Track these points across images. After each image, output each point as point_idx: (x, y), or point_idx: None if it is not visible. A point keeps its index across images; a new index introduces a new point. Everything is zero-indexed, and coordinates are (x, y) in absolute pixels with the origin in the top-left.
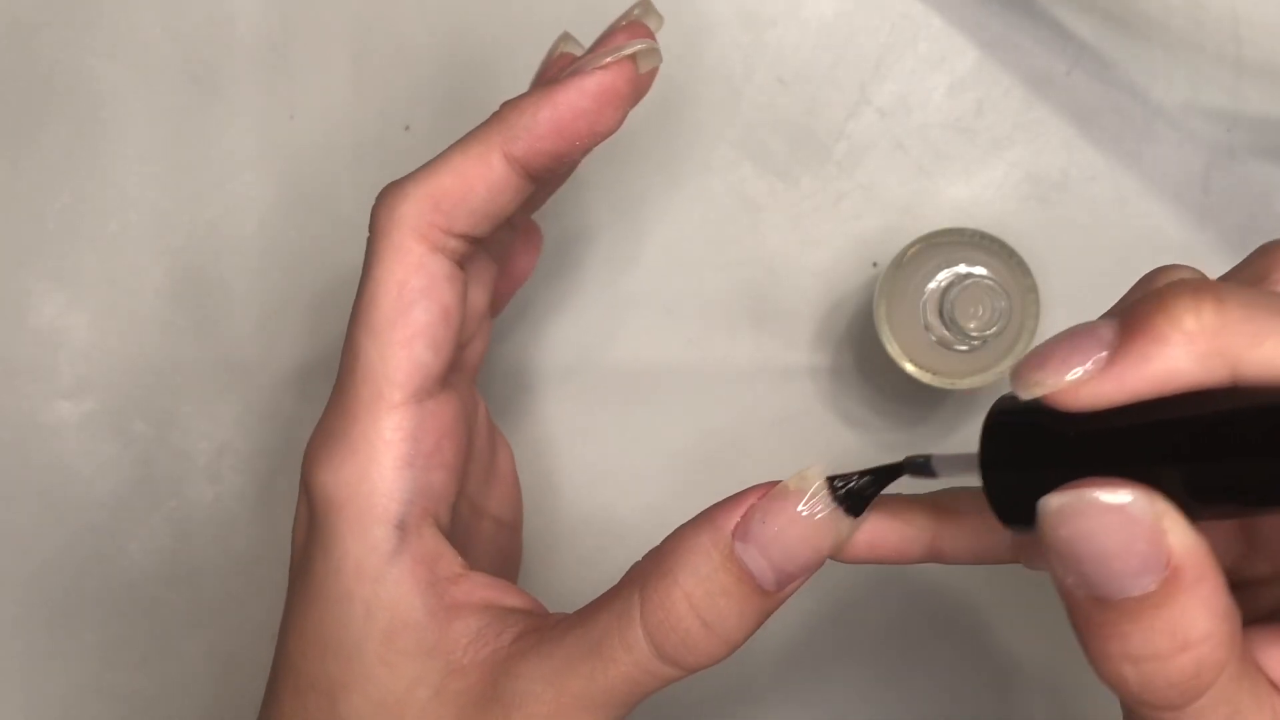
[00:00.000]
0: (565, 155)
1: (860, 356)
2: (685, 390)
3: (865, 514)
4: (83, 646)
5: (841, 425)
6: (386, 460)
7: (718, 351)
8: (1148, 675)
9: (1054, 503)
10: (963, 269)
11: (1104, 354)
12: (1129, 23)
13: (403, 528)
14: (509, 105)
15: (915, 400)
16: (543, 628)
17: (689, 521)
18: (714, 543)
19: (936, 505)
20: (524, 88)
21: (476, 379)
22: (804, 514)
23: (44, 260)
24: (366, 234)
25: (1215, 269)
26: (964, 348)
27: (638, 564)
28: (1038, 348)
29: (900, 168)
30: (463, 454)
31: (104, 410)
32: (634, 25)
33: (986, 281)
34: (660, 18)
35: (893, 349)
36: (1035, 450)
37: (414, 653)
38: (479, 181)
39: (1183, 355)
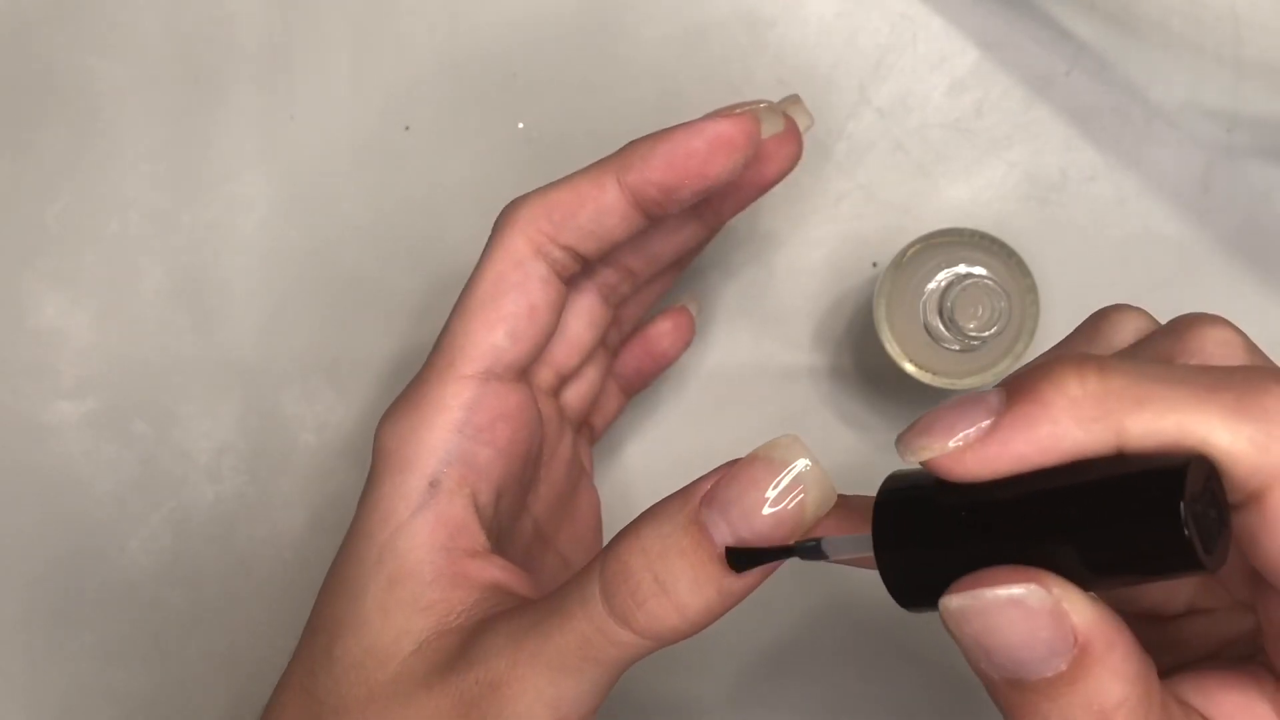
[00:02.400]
0: (674, 191)
1: (860, 356)
2: (685, 390)
3: (746, 573)
4: (83, 646)
5: (841, 425)
6: (439, 421)
7: (718, 351)
8: None
9: (953, 603)
10: (962, 269)
11: (989, 420)
12: (1129, 23)
13: (435, 485)
14: (635, 140)
15: (915, 400)
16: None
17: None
18: (681, 505)
19: None
20: (524, 88)
21: (576, 424)
22: (766, 479)
23: (44, 260)
24: (366, 234)
25: (1215, 269)
26: (963, 348)
27: (614, 537)
28: (925, 415)
29: (900, 168)
30: (521, 448)
31: (104, 410)
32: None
33: (986, 281)
34: (810, 118)
35: (893, 349)
36: (927, 527)
37: (410, 606)
38: (590, 200)
39: (1067, 420)
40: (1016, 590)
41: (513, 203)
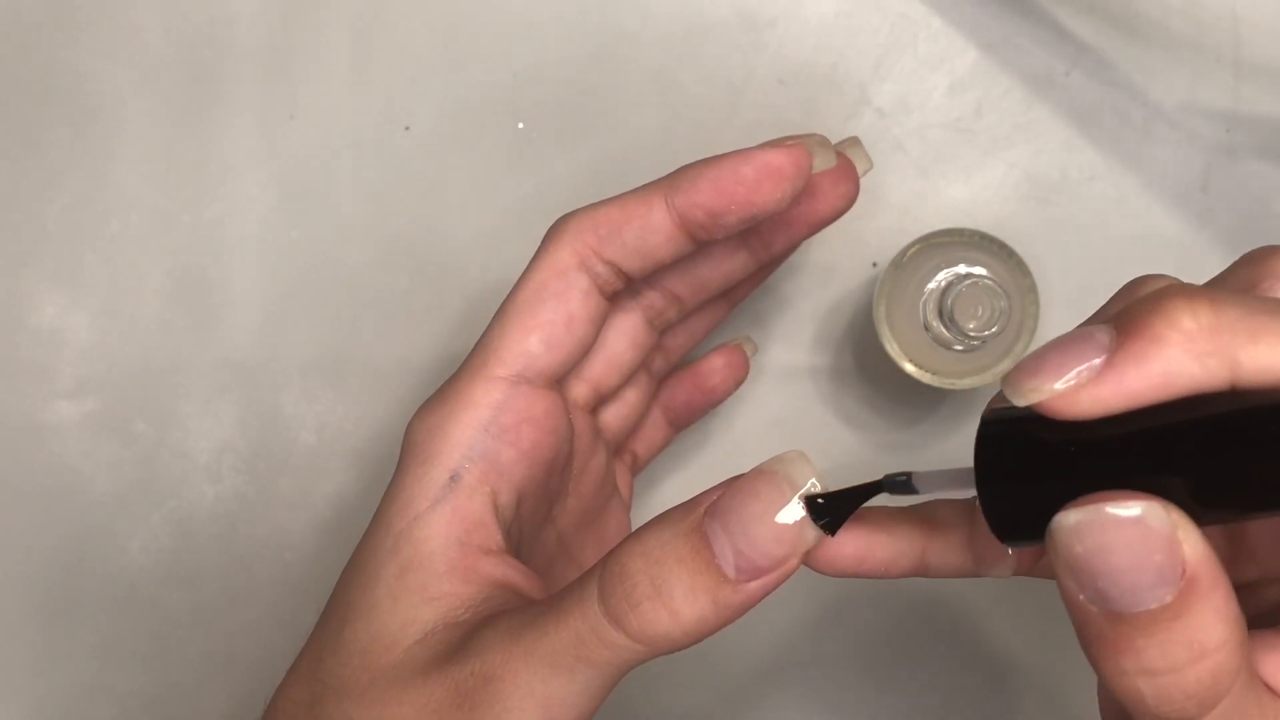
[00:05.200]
0: (720, 215)
1: (860, 356)
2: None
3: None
4: (83, 646)
5: (841, 425)
6: (466, 418)
7: None
8: (1164, 688)
9: (1070, 519)
10: (962, 269)
11: (1100, 358)
12: (1129, 23)
13: (455, 479)
14: (688, 163)
15: (915, 400)
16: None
17: None
18: (685, 514)
19: (924, 519)
20: (523, 89)
21: (614, 446)
22: (769, 493)
23: (44, 260)
24: (366, 234)
25: (1214, 269)
26: (963, 348)
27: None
28: (1032, 353)
29: (900, 168)
30: (546, 453)
31: (104, 410)
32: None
33: (986, 281)
34: (869, 162)
35: (893, 349)
36: (1033, 463)
37: (418, 595)
38: (636, 218)
39: (1181, 355)
40: (1136, 509)
41: (563, 216)
